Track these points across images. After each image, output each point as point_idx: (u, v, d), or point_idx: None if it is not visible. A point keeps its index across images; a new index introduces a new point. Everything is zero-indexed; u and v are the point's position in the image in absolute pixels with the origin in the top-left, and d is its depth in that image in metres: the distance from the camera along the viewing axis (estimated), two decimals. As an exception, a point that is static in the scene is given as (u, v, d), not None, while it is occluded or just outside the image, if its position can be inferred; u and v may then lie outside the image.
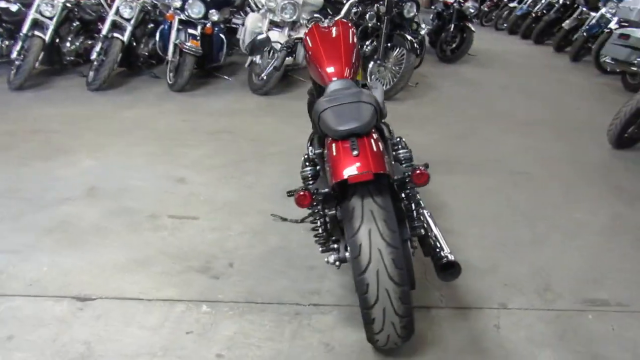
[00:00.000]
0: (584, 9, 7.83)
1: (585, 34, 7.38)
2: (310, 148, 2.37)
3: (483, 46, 8.71)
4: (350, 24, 2.70)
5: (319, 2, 5.65)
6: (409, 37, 5.21)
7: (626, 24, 6.15)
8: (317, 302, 2.29)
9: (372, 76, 5.58)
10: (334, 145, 1.88)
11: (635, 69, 5.59)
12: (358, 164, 1.75)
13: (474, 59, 8.13)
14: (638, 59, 5.51)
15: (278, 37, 4.93)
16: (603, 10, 7.20)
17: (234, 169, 3.69)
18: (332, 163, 1.82)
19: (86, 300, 2.26)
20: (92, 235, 2.78)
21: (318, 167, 2.16)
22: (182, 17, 5.57)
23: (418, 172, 1.79)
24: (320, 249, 2.08)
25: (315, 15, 2.97)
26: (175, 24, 5.58)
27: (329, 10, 5.48)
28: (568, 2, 8.56)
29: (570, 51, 7.75)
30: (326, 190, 1.85)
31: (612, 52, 5.93)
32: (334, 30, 2.66)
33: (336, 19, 2.86)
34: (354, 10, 2.95)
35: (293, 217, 2.96)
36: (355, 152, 1.78)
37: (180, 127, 4.58)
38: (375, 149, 1.82)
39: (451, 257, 1.93)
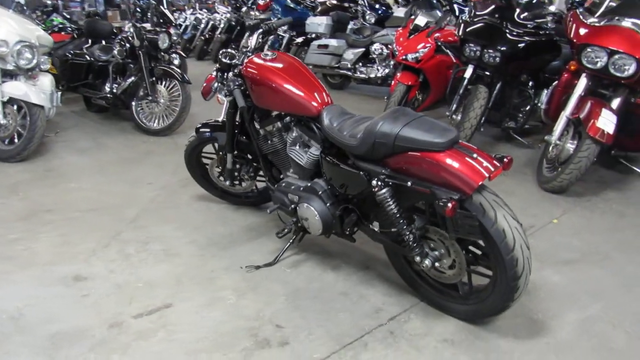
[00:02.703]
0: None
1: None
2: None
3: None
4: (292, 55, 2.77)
5: (50, 41, 4.86)
6: (176, 69, 5.10)
7: (313, 37, 7.50)
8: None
9: (139, 115, 5.22)
10: (440, 156, 2.05)
11: (338, 71, 6.95)
12: (485, 165, 2.01)
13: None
14: (340, 63, 6.88)
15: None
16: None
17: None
18: (455, 170, 2.00)
19: None
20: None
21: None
22: None
23: (506, 160, 2.14)
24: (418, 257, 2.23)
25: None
26: None
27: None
28: (233, 23, 9.57)
29: None
30: None
31: (314, 60, 7.14)
32: (286, 61, 2.67)
33: (251, 53, 2.82)
34: (260, 40, 2.90)
35: (265, 263, 2.82)
36: (474, 155, 2.03)
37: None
38: (473, 149, 2.11)
39: None
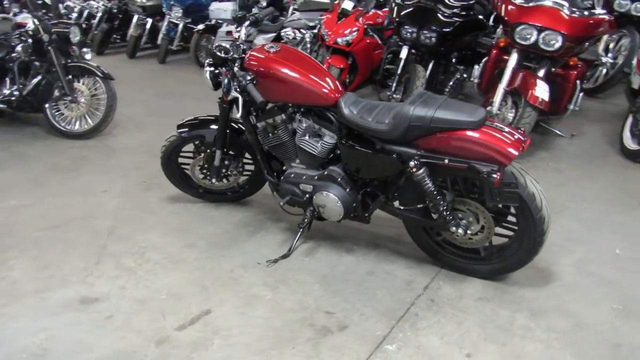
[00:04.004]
0: (141, 15, 8.44)
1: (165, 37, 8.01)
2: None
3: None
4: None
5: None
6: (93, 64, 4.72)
7: (221, 22, 7.29)
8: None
9: (56, 118, 4.76)
10: (475, 133, 2.25)
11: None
12: (516, 137, 2.26)
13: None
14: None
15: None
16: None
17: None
18: (493, 144, 2.22)
19: None
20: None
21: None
22: None
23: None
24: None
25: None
26: None
27: None
28: (115, 11, 8.88)
29: (159, 54, 8.21)
30: None
31: (223, 47, 6.97)
32: (293, 53, 2.68)
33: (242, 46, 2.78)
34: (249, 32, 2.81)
35: (279, 255, 2.84)
36: (506, 130, 2.26)
37: None
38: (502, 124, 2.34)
39: None
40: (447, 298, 2.50)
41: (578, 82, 4.13)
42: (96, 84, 4.75)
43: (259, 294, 2.54)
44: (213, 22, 7.79)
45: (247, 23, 2.88)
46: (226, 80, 2.55)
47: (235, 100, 2.67)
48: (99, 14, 9.10)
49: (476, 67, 4.49)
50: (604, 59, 5.54)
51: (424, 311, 2.40)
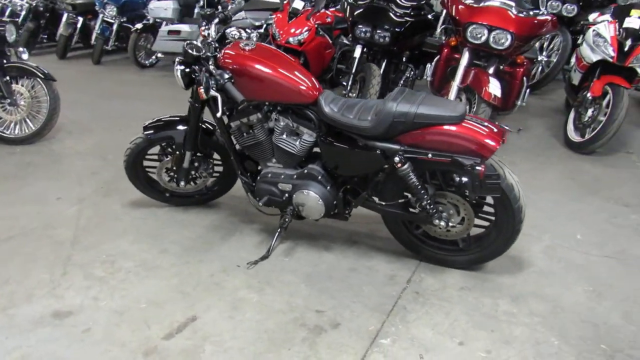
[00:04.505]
0: (71, 14, 7.99)
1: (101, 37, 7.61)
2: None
3: None
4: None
5: None
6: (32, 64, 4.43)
7: (159, 20, 7.06)
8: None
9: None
10: (457, 128, 2.32)
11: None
12: (496, 131, 2.35)
13: None
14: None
15: None
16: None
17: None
18: (475, 137, 2.29)
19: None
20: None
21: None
22: None
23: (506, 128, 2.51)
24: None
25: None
26: None
27: None
28: (41, 9, 8.37)
29: (93, 55, 7.79)
30: None
31: (164, 47, 6.76)
32: (269, 51, 2.65)
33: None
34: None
35: (258, 257, 2.80)
36: (485, 124, 2.35)
37: None
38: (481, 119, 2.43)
39: None
40: (431, 289, 2.56)
41: (525, 79, 4.36)
42: (36, 85, 4.47)
43: (245, 297, 2.49)
44: (151, 21, 7.54)
45: (216, 20, 2.80)
46: (204, 79, 2.47)
47: (210, 99, 2.60)
48: (23, 12, 8.55)
49: (428, 65, 4.62)
50: (539, 58, 5.88)
51: (411, 304, 2.45)
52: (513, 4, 4.01)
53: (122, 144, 3.12)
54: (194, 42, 2.65)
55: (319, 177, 2.64)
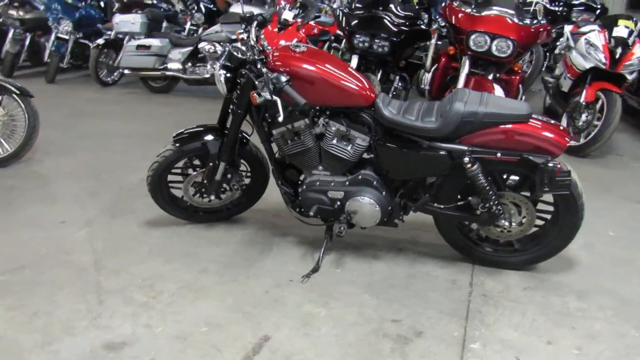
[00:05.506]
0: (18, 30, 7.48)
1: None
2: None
3: None
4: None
5: None
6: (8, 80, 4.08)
7: (121, 36, 6.74)
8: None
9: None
10: (526, 126, 2.31)
11: (165, 73, 6.42)
12: (562, 129, 2.36)
13: None
14: (164, 65, 6.39)
15: None
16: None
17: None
18: (545, 135, 2.29)
19: None
20: None
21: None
22: None
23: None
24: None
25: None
26: None
27: None
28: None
29: (48, 73, 7.25)
30: None
31: (132, 63, 6.43)
32: (321, 54, 2.57)
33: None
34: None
35: (308, 270, 2.66)
36: (552, 122, 2.35)
37: None
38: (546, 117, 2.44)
39: None
40: (496, 291, 2.51)
41: (520, 86, 4.49)
42: (11, 103, 4.09)
43: (311, 311, 2.33)
44: (112, 36, 7.17)
45: (255, 23, 2.66)
46: (257, 82, 2.32)
47: (261, 104, 2.44)
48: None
49: (427, 74, 4.66)
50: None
51: (483, 307, 2.39)
52: (513, 12, 4.13)
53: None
54: (237, 45, 2.51)
55: (374, 183, 2.55)
